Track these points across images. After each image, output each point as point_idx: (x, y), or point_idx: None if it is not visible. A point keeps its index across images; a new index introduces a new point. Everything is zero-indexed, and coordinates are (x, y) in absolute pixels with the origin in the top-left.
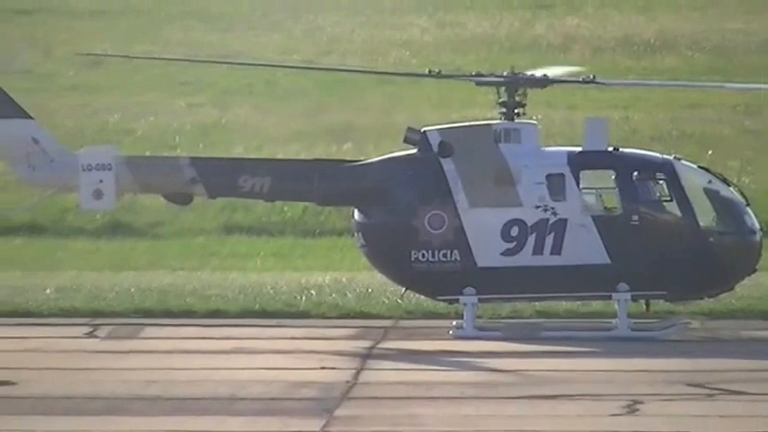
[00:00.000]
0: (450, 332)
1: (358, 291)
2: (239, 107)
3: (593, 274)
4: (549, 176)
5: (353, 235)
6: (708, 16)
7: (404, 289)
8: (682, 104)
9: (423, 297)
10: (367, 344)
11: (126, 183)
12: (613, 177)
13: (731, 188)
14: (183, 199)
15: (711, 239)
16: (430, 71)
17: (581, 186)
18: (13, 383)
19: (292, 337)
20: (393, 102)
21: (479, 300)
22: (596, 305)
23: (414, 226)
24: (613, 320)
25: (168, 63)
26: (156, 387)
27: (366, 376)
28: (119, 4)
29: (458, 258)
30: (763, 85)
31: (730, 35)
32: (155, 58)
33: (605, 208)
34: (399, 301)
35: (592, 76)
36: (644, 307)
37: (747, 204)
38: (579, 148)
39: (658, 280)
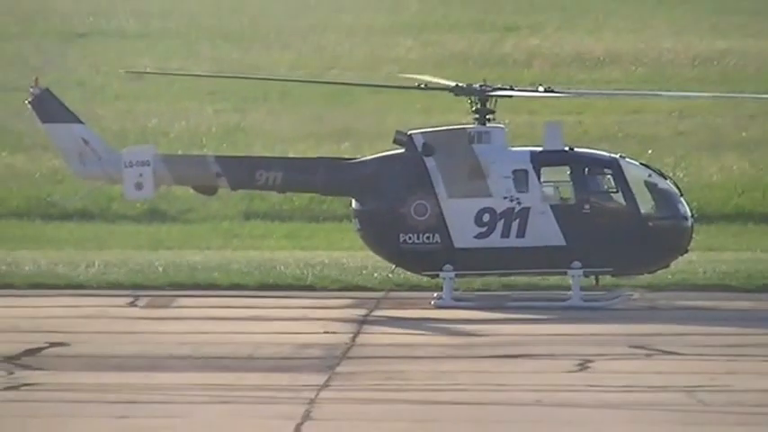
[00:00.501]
0: (432, 302)
1: (355, 267)
2: (257, 113)
3: (551, 254)
4: (514, 172)
5: (352, 220)
6: (646, 37)
7: (393, 266)
8: (626, 110)
9: (409, 273)
10: (363, 312)
11: (162, 176)
12: (568, 172)
13: (667, 181)
14: (210, 190)
15: (651, 224)
16: (419, 85)
17: (541, 180)
18: (67, 344)
19: (300, 307)
20: (384, 109)
21: (456, 275)
22: (553, 280)
23: (402, 213)
24: (568, 292)
25: (198, 76)
26: (187, 348)
27: (362, 339)
28: (159, 28)
29: (438, 240)
30: (691, 93)
31: (665, 52)
32: (187, 75)
33: (562, 198)
34: (390, 275)
35: (543, 88)
36: (594, 281)
37: (681, 195)
38: (540, 148)
39: (606, 258)
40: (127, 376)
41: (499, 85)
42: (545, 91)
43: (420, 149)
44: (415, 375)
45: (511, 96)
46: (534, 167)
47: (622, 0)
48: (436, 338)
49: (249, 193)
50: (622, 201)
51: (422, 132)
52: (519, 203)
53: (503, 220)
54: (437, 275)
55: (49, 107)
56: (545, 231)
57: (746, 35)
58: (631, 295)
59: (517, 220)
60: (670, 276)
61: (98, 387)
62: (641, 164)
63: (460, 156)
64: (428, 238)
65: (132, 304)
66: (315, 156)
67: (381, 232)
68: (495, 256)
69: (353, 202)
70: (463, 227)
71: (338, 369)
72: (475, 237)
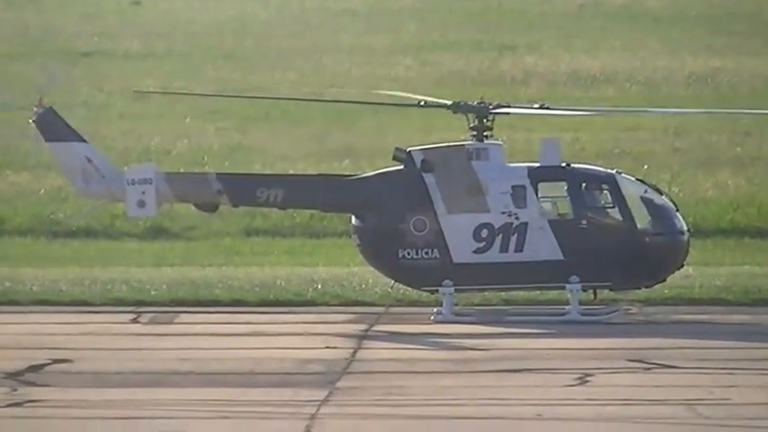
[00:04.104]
0: (432, 317)
1: (355, 283)
2: (258, 131)
3: (550, 269)
4: (512, 188)
5: (351, 236)
6: (641, 55)
7: (393, 281)
8: (621, 127)
9: (409, 288)
10: (363, 327)
11: (164, 194)
12: (566, 188)
13: (663, 196)
14: (211, 207)
15: (647, 239)
16: (418, 102)
17: (539, 196)
18: (71, 361)
19: (301, 322)
20: (384, 127)
21: (456, 290)
22: (552, 294)
23: (401, 229)
24: (566, 307)
25: (200, 96)
26: (190, 364)
27: (362, 354)
28: (162, 48)
29: (437, 256)
30: (686, 110)
31: (660, 70)
32: (189, 94)
33: (559, 213)
34: (390, 291)
35: (539, 105)
36: (592, 295)
37: (677, 210)
38: (537, 164)
39: (604, 273)
40: (130, 392)
41: (497, 102)
42: (541, 108)
43: (419, 166)
44: (415, 390)
45: (509, 114)
46: (532, 183)
47: (618, 19)
48: (436, 353)
49: (250, 211)
50: (619, 216)
51: (421, 149)
52: (517, 219)
53: (501, 236)
54: (436, 291)
55: (52, 126)
56: (543, 246)
57: (740, 54)
58: (629, 309)
59: (515, 236)
60: (667, 291)
61: (101, 403)
62: (637, 180)
63: (459, 172)
64: (427, 253)
65: (135, 321)
66: (315, 173)
67: (381, 248)
68: (493, 271)
69: (353, 218)
70: (462, 242)
71: (339, 384)
72: (474, 252)
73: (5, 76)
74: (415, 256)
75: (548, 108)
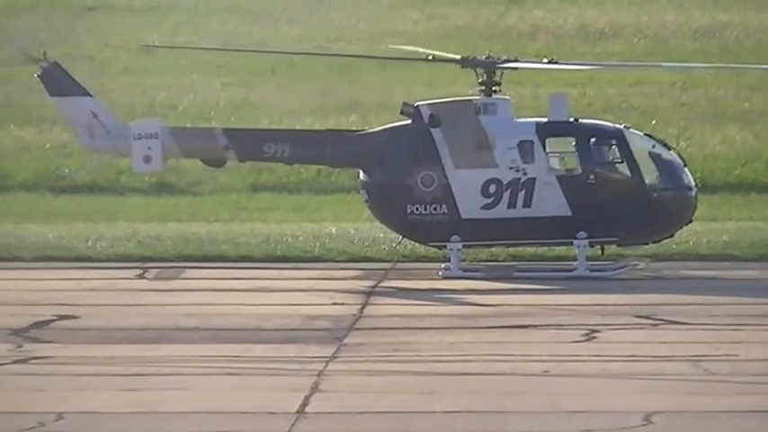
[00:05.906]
0: (439, 273)
1: (362, 239)
2: (264, 86)
3: (557, 224)
4: (520, 143)
5: (359, 192)
6: (648, 9)
7: (400, 237)
8: (629, 82)
9: (416, 244)
10: (370, 283)
11: (170, 149)
12: (573, 143)
13: (671, 151)
14: (218, 162)
15: (655, 194)
16: (426, 57)
17: (547, 151)
18: (76, 317)
19: (308, 278)
20: (390, 82)
21: (464, 246)
22: (559, 250)
23: (409, 184)
24: (574, 263)
25: (206, 50)
26: (195, 319)
27: (370, 310)
28: (167, 2)
29: (445, 211)
30: (693, 64)
31: (667, 25)
32: (195, 48)
33: (567, 169)
34: (397, 247)
35: (547, 59)
36: (599, 251)
37: (684, 165)
38: (545, 119)
39: (611, 228)
40: (135, 348)
41: (506, 57)
42: (550, 63)
43: (427, 121)
44: (423, 346)
45: (517, 68)
46: (540, 138)
47: None
48: (443, 309)
49: (257, 166)
50: (627, 171)
51: (429, 104)
52: (525, 174)
53: (509, 191)
54: (444, 246)
55: (57, 80)
56: (551, 202)
57: (747, 8)
58: (637, 265)
59: (523, 191)
60: (674, 246)
61: (106, 360)
62: (645, 134)
63: (467, 127)
64: (435, 209)
65: (141, 276)
66: (322, 128)
67: (389, 203)
68: (501, 226)
69: (361, 173)
70: (470, 198)
71: (346, 340)
72: (482, 207)
73: (9, 29)
74: (423, 212)
75: (556, 62)
